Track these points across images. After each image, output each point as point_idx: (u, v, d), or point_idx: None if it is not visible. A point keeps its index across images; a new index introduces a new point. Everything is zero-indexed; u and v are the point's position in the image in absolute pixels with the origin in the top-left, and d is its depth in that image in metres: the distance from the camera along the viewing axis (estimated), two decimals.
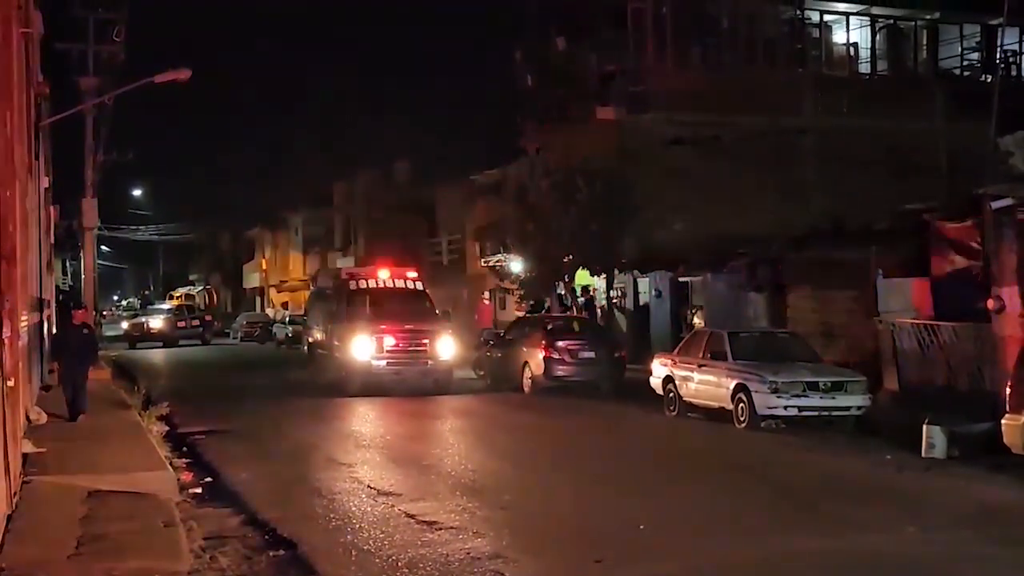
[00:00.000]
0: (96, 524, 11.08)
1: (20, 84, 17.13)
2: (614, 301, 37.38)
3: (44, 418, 18.27)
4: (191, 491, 14.36)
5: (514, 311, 39.65)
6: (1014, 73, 38.97)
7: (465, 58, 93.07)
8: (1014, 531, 11.93)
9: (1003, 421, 15.44)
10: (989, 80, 37.14)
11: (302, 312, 47.91)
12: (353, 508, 12.91)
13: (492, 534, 11.40)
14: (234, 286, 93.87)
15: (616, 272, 35.88)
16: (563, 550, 11.00)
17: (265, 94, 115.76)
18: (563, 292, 36.09)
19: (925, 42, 42.24)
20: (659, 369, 23.54)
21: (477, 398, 27.04)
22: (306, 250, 74.10)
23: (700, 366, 21.83)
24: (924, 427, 17.01)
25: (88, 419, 18.67)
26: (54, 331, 27.97)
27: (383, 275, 29.97)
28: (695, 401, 22.09)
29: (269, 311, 77.92)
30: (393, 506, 12.94)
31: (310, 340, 32.69)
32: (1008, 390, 15.31)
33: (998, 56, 31.63)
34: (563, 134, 38.46)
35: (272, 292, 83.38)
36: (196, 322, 61.79)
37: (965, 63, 42.07)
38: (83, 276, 36.26)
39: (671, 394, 22.82)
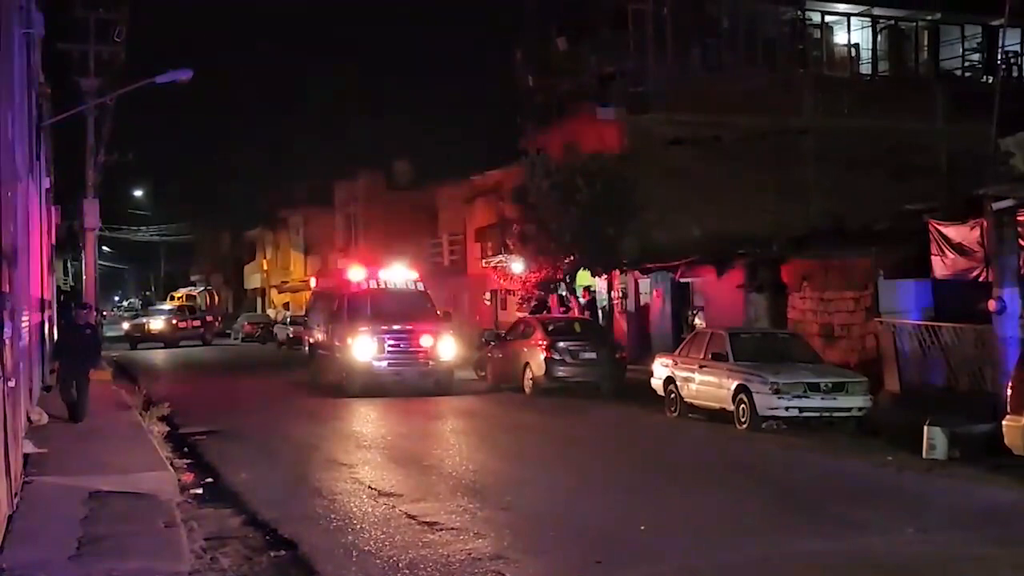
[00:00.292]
0: (97, 524, 11.08)
1: (21, 85, 17.13)
2: (615, 302, 37.36)
3: (45, 418, 18.29)
4: (192, 491, 14.36)
5: (515, 312, 39.62)
6: (1015, 74, 38.95)
7: (466, 58, 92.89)
8: (1015, 532, 11.94)
9: (1004, 422, 15.42)
10: (990, 81, 37.16)
11: (303, 313, 47.90)
12: (354, 509, 12.92)
13: (493, 535, 11.40)
14: (235, 287, 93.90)
15: (617, 272, 35.86)
16: (564, 551, 11.01)
17: (265, 94, 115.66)
18: (564, 293, 36.07)
19: (926, 43, 42.21)
20: (660, 370, 23.53)
21: (478, 399, 27.04)
22: (307, 251, 74.11)
23: (701, 367, 21.82)
24: (925, 428, 17.00)
25: (89, 420, 18.67)
26: (56, 331, 27.97)
27: (384, 275, 29.99)
28: (696, 402, 22.09)
29: (270, 312, 77.92)
30: (394, 507, 12.95)
31: (311, 341, 32.68)
32: (1009, 391, 15.29)
33: (999, 57, 31.57)
34: (563, 134, 38.48)
35: (273, 293, 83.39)
36: (197, 323, 61.79)
37: (966, 64, 42.07)
38: (84, 277, 36.23)
39: (672, 395, 22.81)
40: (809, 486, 14.91)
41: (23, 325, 15.28)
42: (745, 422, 20.07)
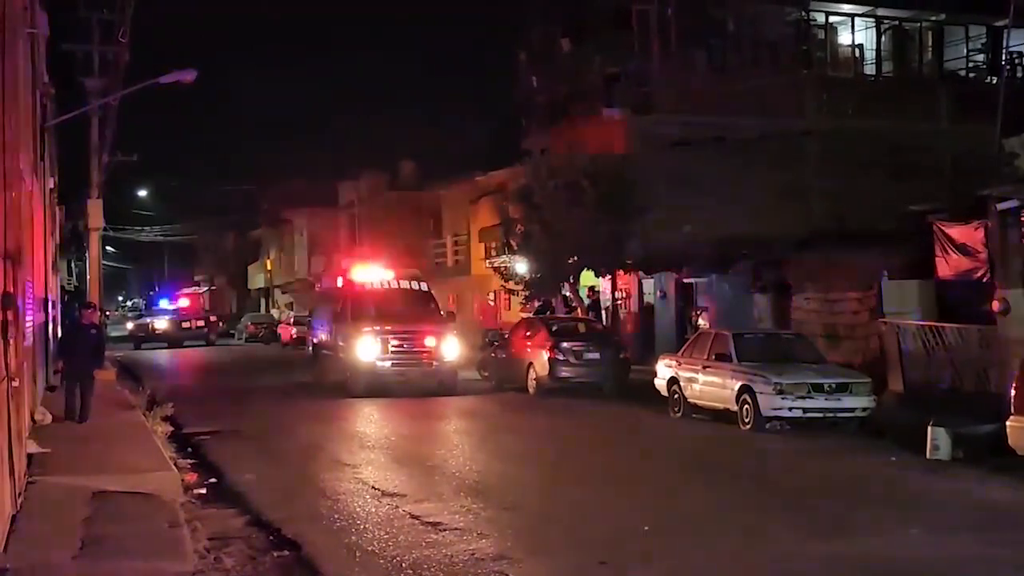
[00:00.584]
0: (101, 525, 11.09)
1: (26, 85, 17.15)
2: (618, 303, 37.37)
3: (49, 418, 18.30)
4: (196, 492, 14.38)
5: (519, 312, 39.63)
6: (1019, 75, 38.90)
7: (470, 59, 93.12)
8: (1018, 533, 11.92)
9: (1008, 423, 15.41)
10: (994, 82, 37.10)
11: (307, 313, 47.91)
12: (358, 509, 12.92)
13: (496, 535, 11.41)
14: (239, 287, 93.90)
15: (621, 273, 35.88)
16: (567, 551, 11.00)
17: (269, 94, 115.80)
18: (568, 293, 36.08)
19: (930, 43, 42.18)
20: (664, 370, 23.51)
21: (481, 399, 27.04)
22: (311, 251, 74.13)
23: (705, 367, 21.80)
24: (929, 429, 16.98)
25: (93, 420, 18.67)
26: (60, 331, 27.98)
27: (388, 276, 30.00)
28: (700, 402, 22.07)
29: (274, 312, 77.96)
30: (397, 507, 12.95)
31: (315, 341, 32.69)
32: (1013, 392, 15.29)
33: (1003, 58, 31.55)
34: (568, 135, 38.48)
35: (277, 293, 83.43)
36: (201, 323, 61.80)
37: (970, 65, 42.03)
38: (88, 277, 36.27)
39: (676, 395, 22.79)
40: (813, 487, 14.89)
41: (27, 325, 15.29)
42: (749, 423, 20.05)
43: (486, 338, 33.87)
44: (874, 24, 41.15)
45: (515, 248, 37.00)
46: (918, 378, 21.96)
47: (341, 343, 28.52)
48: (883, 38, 41.43)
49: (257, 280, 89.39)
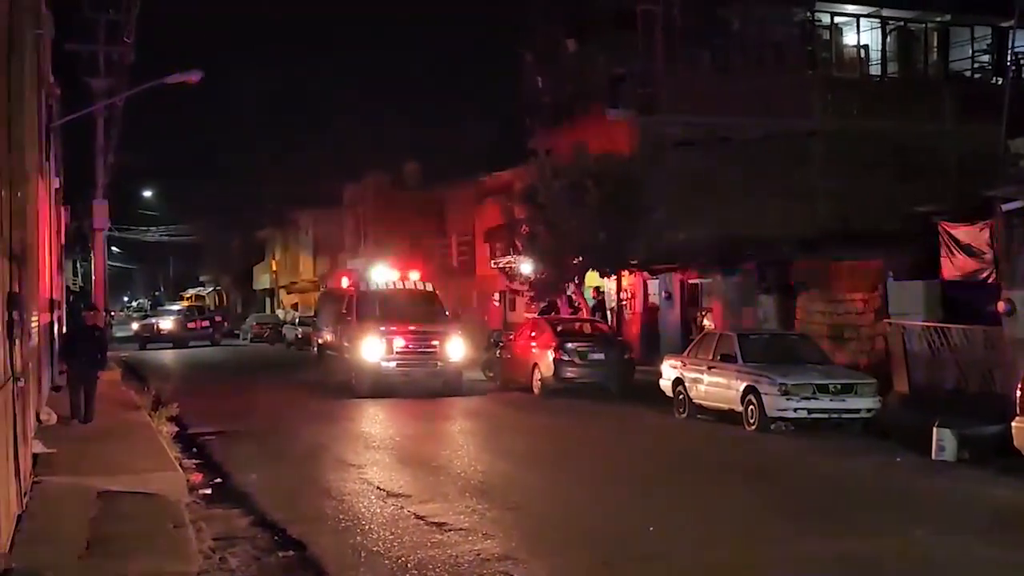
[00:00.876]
0: (106, 525, 11.11)
1: (31, 85, 17.17)
2: (623, 303, 37.37)
3: (54, 418, 18.30)
4: (201, 492, 14.39)
5: (524, 312, 39.63)
6: None
7: (475, 59, 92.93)
8: None
9: (1013, 424, 15.40)
10: (1000, 82, 37.05)
11: (312, 313, 47.95)
12: (362, 509, 12.93)
13: (501, 535, 11.41)
14: (244, 287, 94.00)
15: (626, 273, 35.88)
16: (572, 552, 11.00)
17: (275, 95, 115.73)
18: (572, 294, 36.07)
19: (936, 44, 42.11)
20: (669, 371, 23.52)
21: (486, 399, 27.04)
22: (316, 251, 74.19)
23: (710, 368, 21.80)
24: (934, 430, 16.97)
25: (98, 420, 18.68)
26: (63, 331, 27.99)
27: (393, 276, 30.01)
28: (705, 403, 22.07)
29: (279, 312, 78.03)
30: (402, 507, 12.95)
31: (320, 341, 32.72)
32: (1018, 392, 15.27)
33: (1009, 58, 31.50)
34: (572, 135, 38.49)
35: (282, 293, 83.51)
36: (206, 323, 61.86)
37: (976, 65, 41.95)
38: (93, 277, 36.30)
39: (681, 396, 22.80)
40: (818, 487, 14.90)
41: (33, 325, 15.31)
42: (754, 423, 20.05)
43: (491, 338, 33.87)
44: (879, 25, 41.08)
45: (520, 249, 37.01)
46: (923, 379, 21.94)
47: (346, 343, 28.54)
48: (888, 39, 41.37)
49: (262, 280, 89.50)
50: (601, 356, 27.46)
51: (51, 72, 24.44)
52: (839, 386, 19.96)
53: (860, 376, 20.85)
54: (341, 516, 12.53)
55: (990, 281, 21.23)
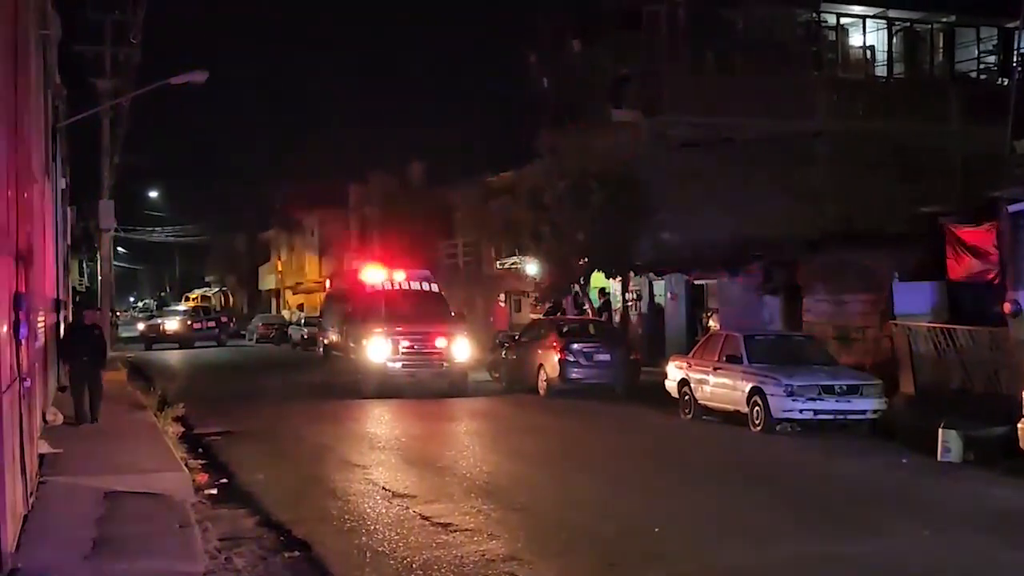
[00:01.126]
0: (112, 525, 11.12)
1: (38, 86, 17.20)
2: (629, 304, 37.35)
3: (60, 418, 18.32)
4: (206, 492, 14.40)
5: (529, 313, 39.63)
6: None
7: (480, 60, 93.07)
8: None
9: (1019, 425, 15.41)
10: (1005, 83, 37.00)
11: (317, 314, 47.97)
12: (368, 510, 12.94)
13: (507, 536, 11.41)
14: (250, 288, 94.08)
15: (631, 274, 35.88)
16: (578, 553, 11.00)
17: (281, 96, 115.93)
18: (578, 294, 36.09)
19: (941, 45, 42.06)
20: (674, 372, 23.52)
21: (492, 400, 27.04)
22: (321, 252, 74.22)
23: (715, 369, 21.80)
24: (940, 431, 16.97)
25: (104, 420, 18.70)
26: (63, 331, 28.04)
27: (398, 277, 30.01)
28: (710, 404, 22.07)
29: (285, 313, 78.07)
30: (408, 508, 12.96)
31: (325, 342, 32.72)
32: None
33: (1015, 59, 31.44)
34: (577, 136, 38.47)
35: (288, 294, 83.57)
36: (212, 323, 61.92)
37: (981, 66, 41.90)
38: (99, 277, 36.38)
39: (686, 397, 22.80)
40: (823, 488, 14.89)
41: (39, 325, 15.33)
42: (759, 424, 20.05)
43: (496, 339, 33.88)
44: (885, 26, 41.04)
45: (525, 249, 37.01)
46: (929, 380, 21.92)
47: (352, 344, 28.55)
48: (894, 40, 41.32)
49: (268, 281, 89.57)
50: (607, 357, 27.46)
51: (57, 72, 24.48)
52: (845, 387, 19.95)
53: (866, 377, 20.83)
54: (346, 516, 12.54)
55: (996, 282, 21.19)
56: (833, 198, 34.89)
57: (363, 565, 10.36)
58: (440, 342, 27.91)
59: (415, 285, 29.99)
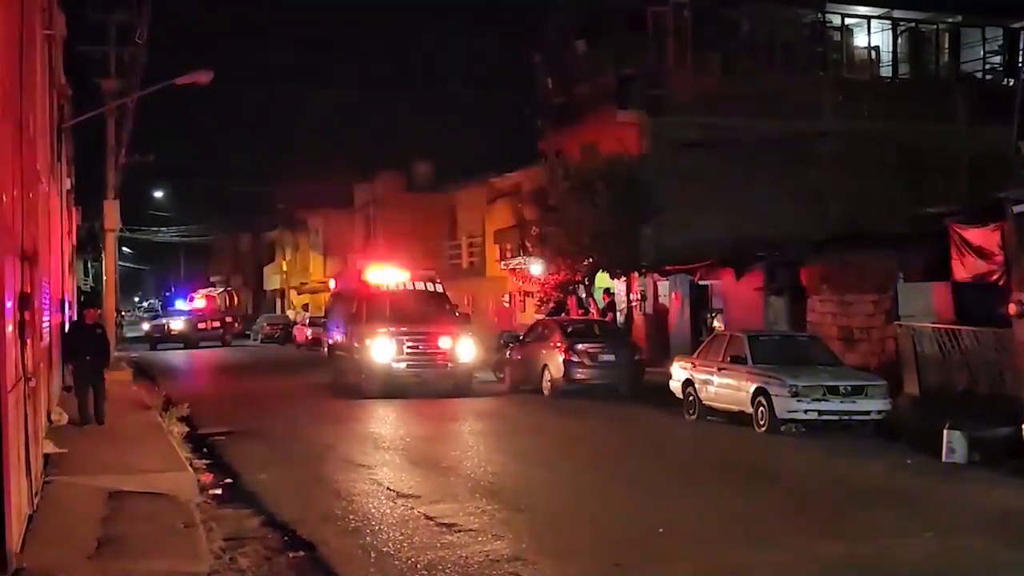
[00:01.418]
0: (116, 525, 11.14)
1: (43, 86, 17.22)
2: (634, 304, 37.33)
3: (65, 418, 18.35)
4: (211, 492, 14.43)
5: (534, 314, 39.62)
6: None
7: (485, 60, 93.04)
8: None
9: None
10: (1011, 84, 36.97)
11: (322, 314, 47.98)
12: (372, 510, 12.95)
13: (511, 536, 11.41)
14: (255, 288, 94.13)
15: (636, 275, 35.86)
16: (582, 553, 11.01)
17: (285, 96, 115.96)
18: (583, 295, 36.06)
19: (947, 45, 42.00)
20: (679, 372, 23.50)
21: (496, 400, 27.04)
22: (326, 252, 74.25)
23: (720, 369, 21.78)
24: (945, 432, 16.93)
25: (109, 420, 18.71)
26: (66, 330, 28.07)
27: (403, 277, 30.01)
28: (715, 404, 22.05)
29: (289, 313, 78.10)
30: (412, 508, 12.97)
31: (330, 342, 32.72)
32: None
33: (1020, 59, 31.47)
34: (582, 136, 38.48)
35: (292, 294, 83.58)
36: (217, 324, 61.92)
37: (987, 66, 41.85)
38: (104, 278, 36.38)
39: (691, 397, 22.78)
40: (828, 489, 14.87)
41: (44, 325, 15.35)
42: (764, 425, 20.03)
43: (501, 339, 33.86)
44: (890, 26, 41.00)
45: (530, 250, 37.01)
46: (934, 381, 21.88)
47: (356, 344, 28.54)
48: (899, 40, 41.29)
49: (272, 281, 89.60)
50: (611, 357, 27.45)
51: (63, 72, 24.50)
52: (849, 388, 19.93)
53: (870, 378, 20.80)
54: (351, 516, 12.55)
55: (1001, 283, 21.14)
56: (838, 198, 34.85)
57: (367, 565, 10.37)
58: (444, 342, 27.92)
59: (420, 285, 29.99)
